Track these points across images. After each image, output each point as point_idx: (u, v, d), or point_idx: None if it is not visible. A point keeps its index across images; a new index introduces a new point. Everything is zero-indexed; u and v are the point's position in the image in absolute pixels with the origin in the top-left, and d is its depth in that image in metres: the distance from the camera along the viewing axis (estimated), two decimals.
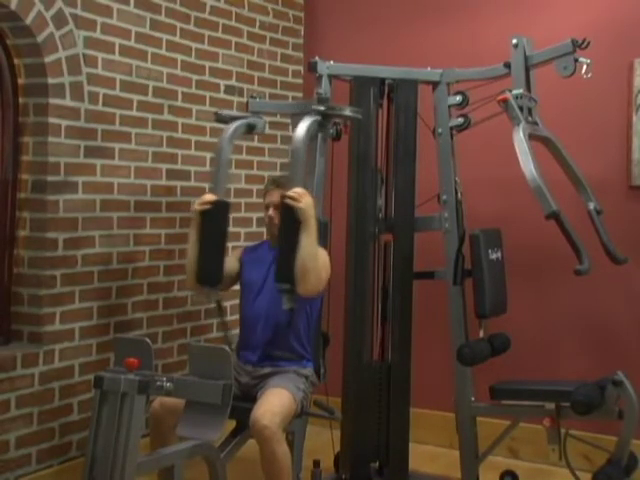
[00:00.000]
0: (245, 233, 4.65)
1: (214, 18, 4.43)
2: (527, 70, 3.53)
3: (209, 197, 3.50)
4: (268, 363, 3.51)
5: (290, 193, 3.29)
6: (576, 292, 4.20)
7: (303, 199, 3.27)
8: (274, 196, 3.59)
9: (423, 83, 3.83)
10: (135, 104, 4.00)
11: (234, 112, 3.99)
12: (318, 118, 3.51)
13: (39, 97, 3.60)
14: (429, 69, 3.81)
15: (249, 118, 3.75)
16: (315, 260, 3.28)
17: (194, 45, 4.32)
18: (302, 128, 3.41)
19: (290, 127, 4.55)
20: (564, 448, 3.46)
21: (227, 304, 4.49)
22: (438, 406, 4.42)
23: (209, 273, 3.47)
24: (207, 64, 4.41)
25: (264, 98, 4.56)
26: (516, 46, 3.53)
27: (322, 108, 3.51)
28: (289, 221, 3.29)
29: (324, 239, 3.61)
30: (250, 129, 3.74)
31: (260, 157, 4.75)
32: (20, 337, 3.64)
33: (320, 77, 3.74)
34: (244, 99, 4.29)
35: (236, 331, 3.77)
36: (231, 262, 3.78)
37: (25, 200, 3.64)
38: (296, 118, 3.88)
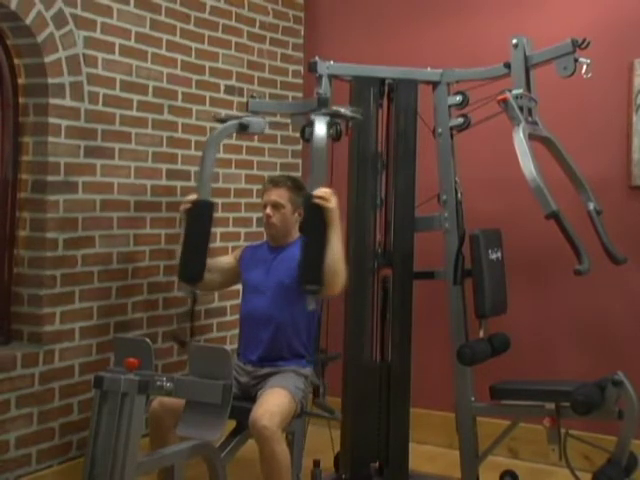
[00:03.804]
0: (245, 233, 4.65)
1: (214, 18, 4.43)
2: (527, 70, 3.53)
3: (191, 197, 3.60)
4: (268, 363, 3.51)
5: (319, 193, 3.27)
6: (576, 292, 4.20)
7: (332, 199, 3.27)
8: (272, 194, 3.60)
9: (423, 83, 3.83)
10: (135, 104, 4.00)
11: (233, 113, 3.98)
12: (327, 118, 3.50)
13: (39, 97, 3.60)
14: (429, 69, 3.81)
15: (242, 118, 3.75)
16: (343, 261, 3.30)
17: (194, 45, 4.32)
18: (322, 128, 3.38)
19: (290, 127, 4.57)
20: (564, 448, 3.46)
21: (227, 304, 4.51)
22: (438, 406, 4.42)
23: (187, 271, 3.58)
24: (207, 64, 4.41)
25: (264, 98, 4.57)
26: (516, 46, 3.53)
27: (343, 111, 3.49)
28: (317, 221, 3.26)
29: None
30: (243, 128, 3.73)
31: (260, 157, 4.75)
32: (20, 337, 3.64)
33: (320, 77, 3.73)
34: (244, 99, 4.28)
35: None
36: (226, 261, 3.81)
37: (25, 200, 3.65)
38: (296, 118, 3.90)
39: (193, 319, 3.79)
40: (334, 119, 3.52)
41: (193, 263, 3.57)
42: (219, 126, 3.76)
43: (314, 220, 3.27)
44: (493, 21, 4.41)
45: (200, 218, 3.59)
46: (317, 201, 3.25)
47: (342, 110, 3.48)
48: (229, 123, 3.73)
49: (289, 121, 4.36)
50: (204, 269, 3.57)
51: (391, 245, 3.82)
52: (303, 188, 3.62)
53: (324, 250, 3.23)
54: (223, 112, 4.10)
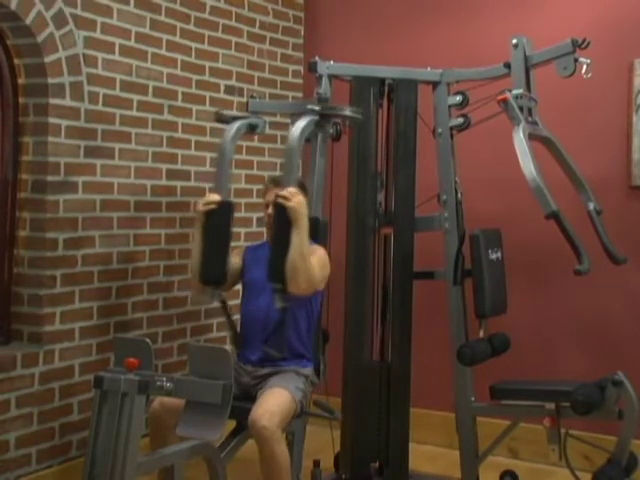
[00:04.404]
0: (245, 233, 4.65)
1: (214, 18, 4.43)
2: (527, 70, 3.53)
3: (213, 197, 3.52)
4: (268, 363, 3.51)
5: (282, 192, 3.31)
6: (576, 292, 4.20)
7: (294, 198, 3.29)
8: (272, 195, 3.59)
9: (423, 83, 3.83)
10: (135, 104, 4.00)
11: (234, 112, 3.97)
12: (315, 118, 3.52)
13: (39, 97, 3.60)
14: (429, 69, 3.81)
15: (250, 118, 3.75)
16: (304, 259, 3.27)
17: (194, 45, 4.32)
18: (297, 128, 3.42)
19: (290, 127, 4.56)
20: (564, 448, 3.46)
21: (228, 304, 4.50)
22: (438, 406, 4.42)
23: (213, 273, 3.49)
24: (207, 64, 4.41)
25: (264, 98, 4.57)
26: (516, 46, 3.53)
27: (317, 108, 3.52)
28: (281, 220, 3.31)
29: (324, 239, 3.62)
30: (252, 129, 3.74)
31: (260, 157, 4.75)
32: (20, 337, 3.64)
33: (320, 77, 3.74)
34: (244, 99, 4.29)
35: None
36: (234, 261, 3.77)
37: (25, 200, 3.65)
38: (296, 118, 3.88)
39: (232, 321, 3.71)
40: (329, 119, 3.55)
41: (219, 265, 3.49)
42: (223, 126, 3.72)
43: (277, 219, 3.33)
44: (493, 21, 4.41)
45: (224, 219, 3.52)
46: (279, 200, 3.29)
47: (316, 108, 3.50)
48: (241, 123, 3.69)
49: (289, 121, 4.35)
50: (227, 270, 3.52)
51: (391, 241, 3.82)
52: (304, 188, 3.62)
53: (286, 248, 3.26)
54: (224, 112, 4.07)
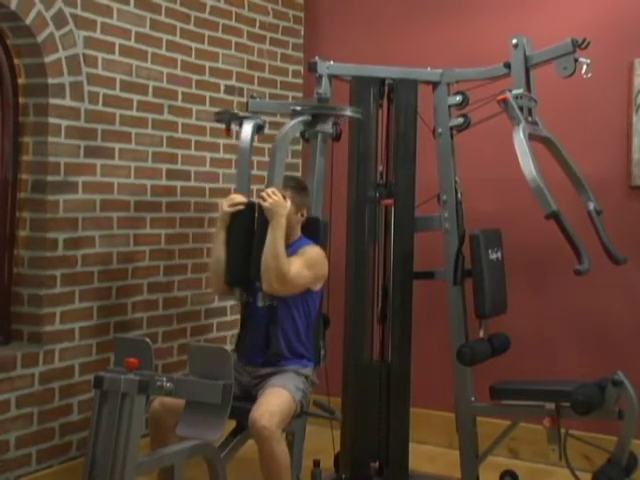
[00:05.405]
0: None
1: (214, 18, 4.43)
2: (527, 70, 3.53)
3: (240, 198, 3.50)
4: (269, 363, 3.51)
5: (261, 193, 3.34)
6: (576, 292, 4.20)
7: (270, 198, 3.32)
8: None
9: (423, 83, 3.83)
10: (135, 104, 4.00)
11: (242, 112, 3.91)
12: (306, 118, 3.52)
13: (39, 97, 3.60)
14: (429, 69, 3.81)
15: (255, 118, 3.74)
16: (276, 258, 3.26)
17: (194, 45, 4.32)
18: (283, 129, 3.44)
19: None
20: (564, 448, 3.46)
21: (227, 304, 4.51)
22: (438, 406, 4.42)
23: (242, 275, 3.45)
24: (207, 64, 4.41)
25: (264, 98, 4.57)
26: (516, 46, 3.53)
27: (299, 108, 3.52)
28: (260, 220, 3.35)
29: (324, 239, 3.62)
30: (259, 129, 3.74)
31: (260, 157, 4.74)
32: (20, 337, 3.65)
33: (320, 77, 3.74)
34: (244, 99, 4.29)
35: None
36: None
37: (25, 200, 3.65)
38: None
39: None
40: (326, 119, 3.56)
41: (247, 266, 3.44)
42: (244, 127, 3.67)
43: (257, 218, 3.37)
44: (493, 21, 4.41)
45: (250, 219, 3.48)
46: (258, 200, 3.35)
47: (298, 108, 3.52)
48: (254, 123, 3.69)
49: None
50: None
51: (391, 244, 3.82)
52: (306, 188, 3.61)
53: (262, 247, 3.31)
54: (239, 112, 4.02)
